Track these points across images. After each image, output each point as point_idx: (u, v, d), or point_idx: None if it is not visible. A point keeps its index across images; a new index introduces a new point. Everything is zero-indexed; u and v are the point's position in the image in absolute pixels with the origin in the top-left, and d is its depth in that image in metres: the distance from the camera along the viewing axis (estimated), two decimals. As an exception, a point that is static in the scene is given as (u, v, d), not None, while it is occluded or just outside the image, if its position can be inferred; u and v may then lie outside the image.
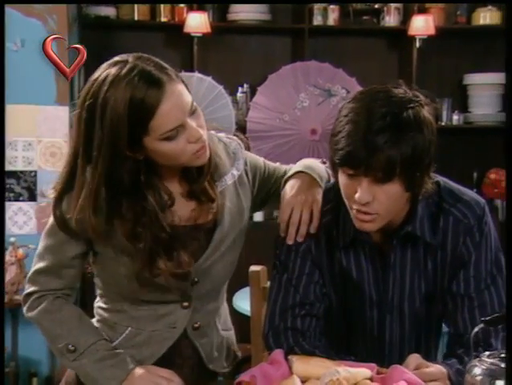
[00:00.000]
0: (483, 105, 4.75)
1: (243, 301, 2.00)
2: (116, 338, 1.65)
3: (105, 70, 1.49)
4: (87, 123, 1.50)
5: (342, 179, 1.53)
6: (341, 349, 1.67)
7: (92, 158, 1.50)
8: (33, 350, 3.58)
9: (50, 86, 3.70)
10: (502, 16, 4.72)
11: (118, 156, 1.49)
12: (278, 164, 1.81)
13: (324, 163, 1.78)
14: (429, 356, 1.65)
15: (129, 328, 1.66)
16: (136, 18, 4.61)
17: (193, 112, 1.51)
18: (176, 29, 4.55)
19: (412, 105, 1.48)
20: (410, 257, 1.62)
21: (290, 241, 1.65)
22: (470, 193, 1.66)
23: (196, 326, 1.67)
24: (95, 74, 1.51)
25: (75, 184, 1.53)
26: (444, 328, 1.69)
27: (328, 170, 1.72)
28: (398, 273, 1.63)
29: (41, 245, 1.64)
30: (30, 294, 1.65)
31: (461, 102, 4.86)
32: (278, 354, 1.52)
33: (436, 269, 1.63)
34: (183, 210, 1.62)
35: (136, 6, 4.57)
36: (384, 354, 1.67)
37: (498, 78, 4.75)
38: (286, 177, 1.73)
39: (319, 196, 1.67)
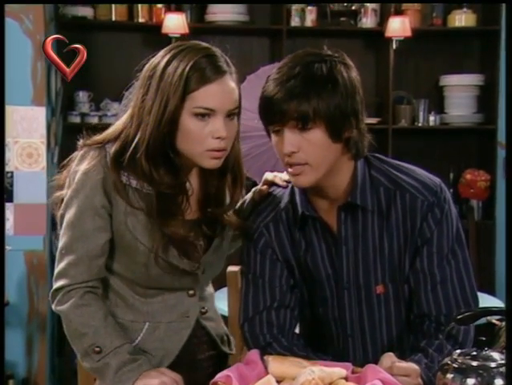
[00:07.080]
0: (459, 106, 4.78)
1: (221, 302, 2.01)
2: (138, 336, 1.66)
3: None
4: (144, 88, 1.57)
5: (273, 139, 1.61)
6: (308, 336, 1.70)
7: (140, 126, 1.56)
8: (9, 352, 3.55)
9: (27, 86, 3.68)
10: (478, 18, 4.77)
11: (160, 124, 1.55)
12: None
13: None
14: (402, 341, 1.67)
15: (147, 323, 1.67)
16: (113, 19, 4.59)
17: (230, 116, 1.59)
18: (153, 30, 4.54)
19: (327, 59, 1.57)
20: (361, 232, 1.64)
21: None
22: (426, 173, 1.69)
23: (203, 311, 1.73)
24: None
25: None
26: None
27: None
28: (351, 247, 1.65)
29: (67, 237, 1.61)
30: (59, 289, 1.63)
31: (438, 103, 4.89)
32: (253, 354, 1.53)
33: (399, 247, 1.64)
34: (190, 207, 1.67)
35: (113, 6, 4.54)
36: (346, 333, 1.69)
37: (474, 79, 4.79)
38: None
39: None
